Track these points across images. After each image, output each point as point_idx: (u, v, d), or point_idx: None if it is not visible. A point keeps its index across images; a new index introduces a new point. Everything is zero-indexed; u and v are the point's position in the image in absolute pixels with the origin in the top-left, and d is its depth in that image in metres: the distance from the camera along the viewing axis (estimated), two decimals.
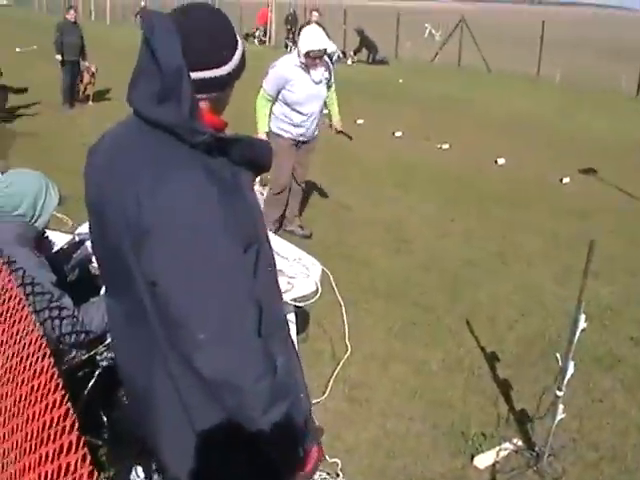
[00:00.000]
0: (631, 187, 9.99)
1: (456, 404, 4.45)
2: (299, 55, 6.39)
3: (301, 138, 6.79)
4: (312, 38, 6.34)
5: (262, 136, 6.47)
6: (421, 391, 4.57)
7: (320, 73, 6.54)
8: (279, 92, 6.53)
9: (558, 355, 3.73)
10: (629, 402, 4.60)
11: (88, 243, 3.54)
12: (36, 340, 1.58)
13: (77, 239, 3.86)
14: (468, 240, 7.53)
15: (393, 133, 13.22)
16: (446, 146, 12.26)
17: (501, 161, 11.30)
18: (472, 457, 3.94)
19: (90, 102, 15.40)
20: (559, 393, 3.71)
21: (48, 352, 1.53)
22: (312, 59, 6.36)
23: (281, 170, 6.76)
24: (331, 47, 6.60)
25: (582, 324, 3.61)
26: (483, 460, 3.91)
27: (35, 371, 1.47)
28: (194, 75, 1.74)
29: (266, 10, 34.04)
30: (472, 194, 9.42)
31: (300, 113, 6.56)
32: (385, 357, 4.97)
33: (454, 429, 4.19)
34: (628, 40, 31.58)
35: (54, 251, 3.71)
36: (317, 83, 6.53)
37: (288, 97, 6.50)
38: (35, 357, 1.52)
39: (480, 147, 12.46)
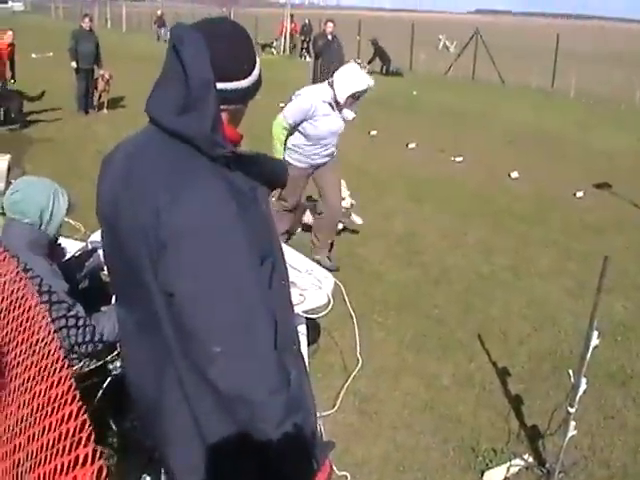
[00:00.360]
0: None
1: (467, 419, 4.42)
2: (336, 94, 5.92)
3: (312, 169, 6.43)
4: (358, 77, 5.92)
5: None
6: (432, 405, 4.55)
7: (353, 112, 6.18)
8: (300, 123, 6.07)
9: (570, 371, 3.70)
10: None
11: (101, 251, 3.55)
12: (55, 351, 1.58)
13: (90, 247, 3.86)
14: (481, 253, 7.51)
15: (407, 145, 13.21)
16: (460, 159, 12.24)
17: (515, 174, 11.26)
18: (482, 473, 3.91)
19: (105, 109, 15.52)
20: (571, 410, 3.68)
21: (67, 363, 1.53)
22: (355, 99, 6.02)
23: (289, 194, 6.46)
24: (372, 81, 6.11)
25: (595, 340, 3.58)
26: (493, 476, 3.88)
27: (53, 382, 1.47)
28: (218, 86, 1.76)
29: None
30: (485, 207, 9.40)
31: (316, 146, 6.19)
32: (396, 370, 4.94)
33: (464, 444, 4.16)
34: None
35: (66, 258, 3.72)
36: (344, 120, 6.17)
37: (309, 130, 6.07)
38: (54, 368, 1.52)
39: (494, 160, 12.44)
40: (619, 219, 9.24)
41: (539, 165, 12.29)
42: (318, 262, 6.32)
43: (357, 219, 7.62)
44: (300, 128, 6.10)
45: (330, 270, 6.35)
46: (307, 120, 6.01)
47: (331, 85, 5.99)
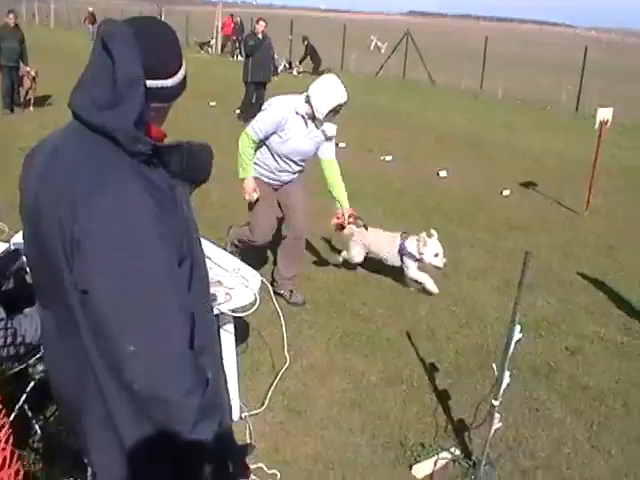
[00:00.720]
0: (569, 201, 10.25)
1: (395, 415, 4.47)
2: (316, 110, 5.43)
3: (277, 185, 5.88)
4: (338, 89, 5.43)
5: (248, 183, 5.61)
6: (360, 402, 4.58)
7: (333, 125, 5.68)
8: (269, 136, 5.57)
9: (494, 365, 3.78)
10: (564, 411, 4.69)
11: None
12: None
13: (13, 247, 3.79)
14: None
15: (337, 144, 13.18)
16: (389, 158, 12.34)
17: (443, 173, 11.44)
18: (410, 467, 3.95)
19: (31, 107, 15.20)
20: (495, 403, 3.75)
21: None
22: (336, 113, 5.53)
23: (259, 218, 5.81)
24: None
25: (517, 335, 3.66)
26: (421, 469, 3.94)
27: None
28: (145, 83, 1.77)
29: (230, 20, 34.34)
30: (414, 206, 9.52)
31: (280, 164, 5.71)
32: (324, 368, 4.96)
33: (393, 439, 4.21)
34: (568, 56, 32.34)
35: None
36: (324, 135, 5.68)
37: (275, 145, 5.58)
38: None
39: (422, 159, 12.60)
40: (544, 217, 9.49)
41: (467, 164, 12.51)
42: (281, 295, 5.90)
43: (433, 287, 6.45)
44: (267, 142, 5.61)
45: (296, 304, 5.93)
46: (277, 133, 5.53)
47: (307, 101, 5.49)
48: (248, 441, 3.85)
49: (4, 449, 1.23)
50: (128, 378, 1.69)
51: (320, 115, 5.46)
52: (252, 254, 6.38)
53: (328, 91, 5.43)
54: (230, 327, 4.00)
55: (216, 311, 3.64)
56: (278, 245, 6.14)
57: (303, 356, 5.04)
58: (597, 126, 9.75)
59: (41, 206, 1.79)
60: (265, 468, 3.73)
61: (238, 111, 15.63)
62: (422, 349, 5.32)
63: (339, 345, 5.32)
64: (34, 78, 14.87)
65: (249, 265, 4.28)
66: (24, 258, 3.47)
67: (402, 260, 6.51)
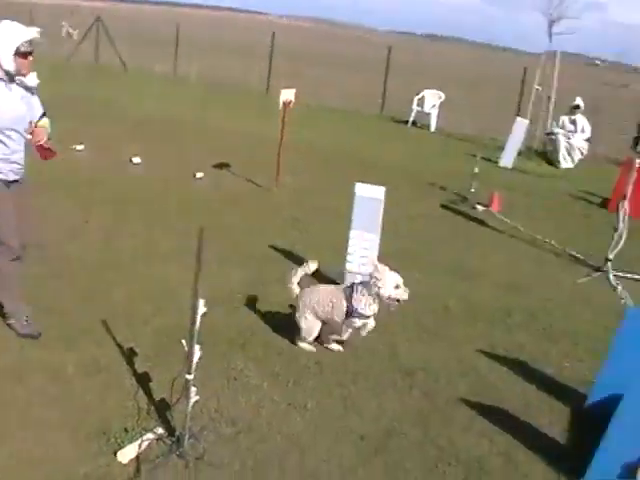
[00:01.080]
0: (260, 179, 10.85)
1: (95, 405, 4.46)
2: (3, 64, 4.84)
3: (12, 176, 5.12)
4: (12, 30, 4.88)
5: None
6: (59, 397, 4.50)
7: (35, 77, 5.10)
8: None
9: (183, 341, 3.92)
10: (261, 377, 5.01)
11: None
12: None
13: None
14: (103, 240, 7.49)
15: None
16: (81, 147, 11.93)
17: (137, 160, 11.36)
18: (115, 453, 3.98)
19: None
20: (189, 377, 3.91)
21: None
22: (25, 57, 4.89)
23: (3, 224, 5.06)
24: (33, 30, 4.94)
25: (202, 309, 3.83)
26: (126, 454, 3.98)
27: None
28: None
29: None
30: (107, 194, 9.42)
31: (7, 144, 5.01)
32: (19, 368, 4.78)
33: (94, 430, 4.19)
34: (260, 41, 33.35)
35: None
36: (25, 96, 5.10)
37: None
38: None
39: (116, 146, 12.41)
40: (236, 196, 9.95)
41: (161, 149, 12.60)
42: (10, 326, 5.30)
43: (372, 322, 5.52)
44: None
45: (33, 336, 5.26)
46: None
47: None
48: None
49: None
50: None
51: (9, 66, 4.89)
52: None
53: (7, 31, 4.92)
54: None
55: None
56: None
57: None
58: (281, 107, 10.31)
59: None
60: None
61: None
62: (119, 336, 5.33)
63: (34, 343, 5.14)
64: None
65: None
66: None
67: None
